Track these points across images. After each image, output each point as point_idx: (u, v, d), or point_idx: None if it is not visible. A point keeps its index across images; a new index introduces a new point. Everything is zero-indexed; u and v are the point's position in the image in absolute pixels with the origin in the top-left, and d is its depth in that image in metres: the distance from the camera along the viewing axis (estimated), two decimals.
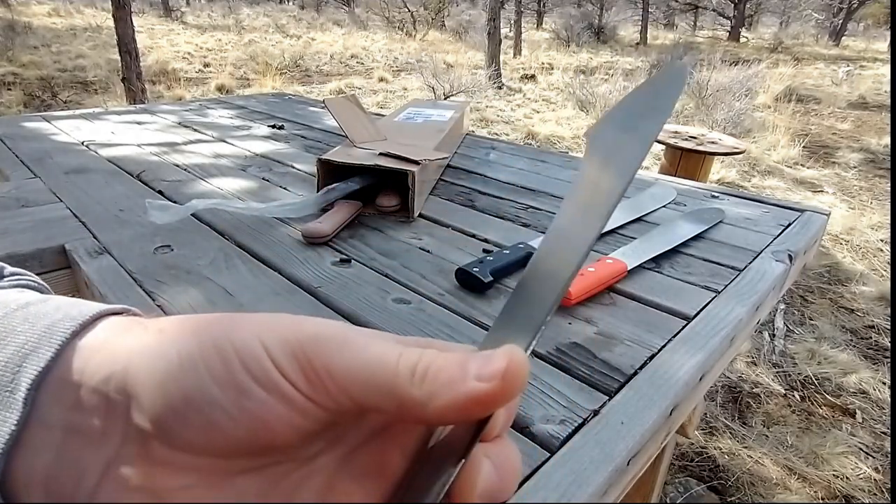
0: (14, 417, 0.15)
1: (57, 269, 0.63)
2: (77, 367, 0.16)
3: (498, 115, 5.37)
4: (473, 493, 0.16)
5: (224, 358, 0.15)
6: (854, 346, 1.88)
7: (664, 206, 0.82)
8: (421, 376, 0.15)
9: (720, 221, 0.76)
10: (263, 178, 0.92)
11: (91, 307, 0.17)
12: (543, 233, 0.70)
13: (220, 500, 0.15)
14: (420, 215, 0.77)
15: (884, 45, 14.66)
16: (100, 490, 0.15)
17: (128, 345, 0.16)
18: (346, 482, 0.17)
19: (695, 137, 2.70)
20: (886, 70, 9.46)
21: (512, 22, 11.67)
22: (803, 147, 4.28)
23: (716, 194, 0.89)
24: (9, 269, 0.20)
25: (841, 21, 16.18)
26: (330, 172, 0.75)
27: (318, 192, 0.74)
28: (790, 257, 0.67)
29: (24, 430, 0.15)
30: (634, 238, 0.69)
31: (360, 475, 0.17)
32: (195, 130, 1.25)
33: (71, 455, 0.15)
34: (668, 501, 1.25)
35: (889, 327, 2.00)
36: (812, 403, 1.60)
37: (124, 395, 0.15)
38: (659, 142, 2.69)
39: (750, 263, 0.64)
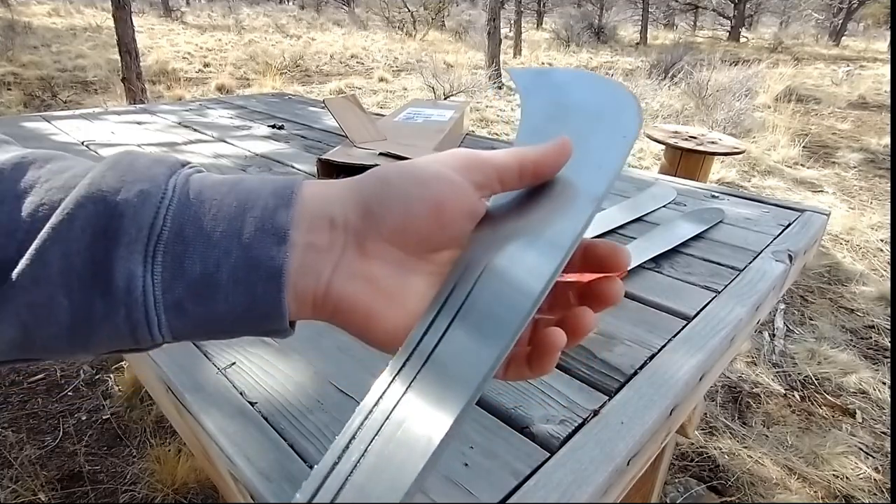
0: (284, 249, 0.22)
1: None
2: (307, 205, 0.23)
3: (498, 115, 5.36)
4: (596, 256, 0.25)
5: (407, 171, 0.24)
6: (854, 346, 1.88)
7: (664, 206, 0.82)
8: (525, 146, 0.26)
9: (720, 221, 0.76)
10: None
11: (290, 180, 0.24)
12: None
13: (406, 288, 0.23)
14: None
15: (884, 45, 14.66)
16: (332, 281, 0.22)
17: (336, 186, 0.24)
18: None
19: (695, 137, 2.70)
20: (886, 70, 9.46)
21: (512, 22, 11.66)
22: (803, 147, 4.28)
23: (716, 194, 0.89)
24: (181, 159, 0.25)
25: (841, 21, 16.18)
26: (330, 172, 0.75)
27: None
28: (790, 257, 0.67)
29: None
30: (634, 238, 0.69)
31: None
32: (195, 130, 1.25)
33: (310, 262, 0.22)
34: (668, 501, 1.25)
35: (889, 327, 2.00)
36: (812, 403, 1.60)
37: (342, 213, 0.23)
38: (659, 141, 2.69)
39: (750, 263, 0.64)
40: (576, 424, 0.39)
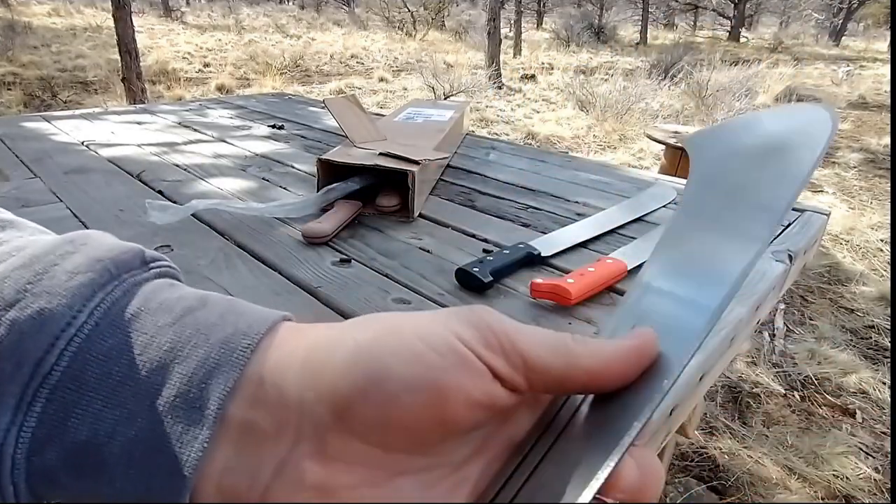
0: (205, 434, 0.15)
1: None
2: (255, 369, 0.16)
3: (498, 115, 5.36)
4: (619, 487, 0.16)
5: (402, 336, 0.16)
6: (854, 346, 1.88)
7: (664, 206, 0.82)
8: (582, 341, 0.18)
9: None
10: (263, 178, 0.92)
11: (260, 318, 0.18)
12: (544, 233, 0.70)
13: (382, 500, 0.16)
14: (420, 215, 0.77)
15: (884, 45, 14.65)
16: (272, 488, 0.15)
17: (302, 343, 0.17)
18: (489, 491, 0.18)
19: None
20: (886, 70, 9.46)
21: (512, 22, 11.66)
22: None
23: None
24: (148, 252, 0.19)
25: (841, 21, 16.18)
26: (330, 172, 0.75)
27: (318, 192, 0.74)
28: (790, 257, 0.67)
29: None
30: (634, 238, 0.69)
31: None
32: (195, 130, 1.25)
33: (246, 452, 0.15)
34: (668, 501, 1.25)
35: (889, 327, 2.00)
36: (812, 403, 1.60)
37: (297, 386, 0.16)
38: (659, 141, 2.69)
39: None
40: None
